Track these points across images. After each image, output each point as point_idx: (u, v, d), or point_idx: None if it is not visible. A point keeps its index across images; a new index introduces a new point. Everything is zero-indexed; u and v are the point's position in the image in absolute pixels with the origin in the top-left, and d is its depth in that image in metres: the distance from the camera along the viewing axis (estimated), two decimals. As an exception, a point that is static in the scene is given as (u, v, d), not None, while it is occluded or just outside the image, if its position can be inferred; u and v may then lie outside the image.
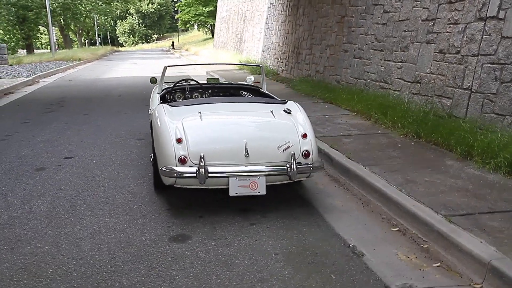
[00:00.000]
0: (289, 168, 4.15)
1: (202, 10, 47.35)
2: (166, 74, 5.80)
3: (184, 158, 4.07)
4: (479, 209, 4.01)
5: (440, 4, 7.64)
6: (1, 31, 40.22)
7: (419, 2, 8.26)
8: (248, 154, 4.12)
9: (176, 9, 61.41)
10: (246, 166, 4.13)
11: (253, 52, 21.70)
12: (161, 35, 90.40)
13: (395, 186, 4.58)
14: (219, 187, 4.24)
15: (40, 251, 3.60)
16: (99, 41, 66.84)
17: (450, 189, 4.50)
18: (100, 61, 31.95)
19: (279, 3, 17.21)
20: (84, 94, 13.19)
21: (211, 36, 48.50)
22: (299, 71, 14.45)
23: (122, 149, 6.70)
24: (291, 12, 15.65)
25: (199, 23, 52.39)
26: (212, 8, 44.46)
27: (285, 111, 4.72)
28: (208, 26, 51.94)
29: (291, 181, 4.26)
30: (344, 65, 11.12)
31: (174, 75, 6.91)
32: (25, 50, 43.67)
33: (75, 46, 56.53)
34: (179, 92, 5.93)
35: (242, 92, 6.14)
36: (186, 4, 49.63)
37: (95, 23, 60.02)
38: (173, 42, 58.63)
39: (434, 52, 7.66)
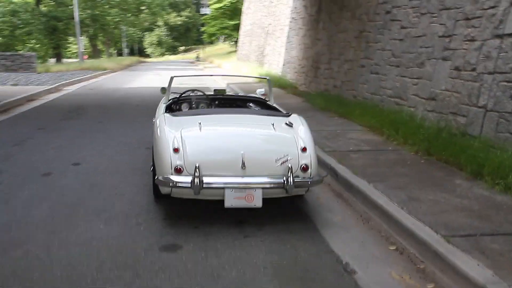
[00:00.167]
0: (285, 182, 4.09)
1: (228, 23, 47.78)
2: (184, 86, 5.77)
3: (180, 168, 4.05)
4: (482, 230, 3.87)
5: (457, 20, 7.51)
6: (33, 41, 41.24)
7: (436, 18, 8.14)
8: (244, 166, 4.07)
9: (202, 22, 62.14)
10: (243, 178, 4.08)
11: (274, 65, 21.74)
12: (188, 47, 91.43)
13: (396, 204, 4.47)
14: (215, 198, 4.20)
15: (31, 255, 3.61)
16: (127, 52, 67.95)
17: (454, 208, 4.36)
18: (125, 71, 32.43)
19: (300, 18, 17.23)
20: (103, 103, 13.38)
21: (235, 49, 48.92)
22: (317, 86, 14.38)
23: (129, 157, 6.73)
24: (312, 27, 15.64)
25: (224, 36, 52.86)
26: (238, 22, 44.82)
27: (286, 124, 4.67)
28: (234, 39, 52.38)
29: (288, 195, 4.19)
30: (361, 80, 11.02)
31: (192, 87, 6.98)
32: (55, 59, 44.68)
33: (104, 56, 57.56)
34: (186, 103, 5.94)
35: (248, 104, 6.11)
36: (212, 17, 50.17)
37: (123, 34, 61.10)
38: (198, 54, 59.17)
39: (450, 69, 7.51)
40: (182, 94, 6.04)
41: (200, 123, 4.48)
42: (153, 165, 4.65)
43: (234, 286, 3.19)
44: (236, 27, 44.81)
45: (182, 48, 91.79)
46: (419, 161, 6.10)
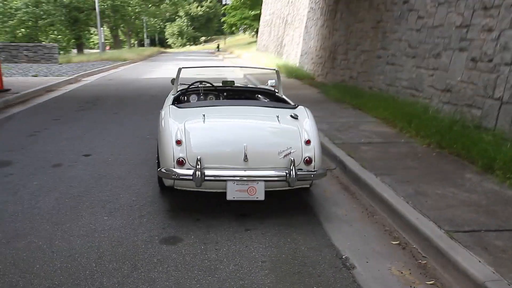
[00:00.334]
0: (288, 175, 4.05)
1: (248, 13, 47.59)
2: (201, 77, 5.71)
3: (182, 160, 4.05)
4: (487, 226, 3.78)
5: (475, 10, 7.32)
6: (56, 32, 41.80)
7: (453, 8, 7.95)
8: (247, 158, 4.05)
9: (223, 12, 62.03)
10: (245, 170, 4.06)
11: (292, 56, 21.60)
12: (209, 37, 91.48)
13: (402, 198, 4.40)
14: (217, 190, 4.19)
15: (33, 246, 3.65)
16: (148, 42, 68.31)
17: (461, 203, 4.27)
18: (145, 62, 32.63)
19: (319, 8, 17.05)
20: (119, 94, 13.48)
21: (256, 39, 48.79)
22: (334, 77, 14.24)
23: (140, 148, 6.77)
24: (329, 17, 15.46)
25: (245, 26, 52.67)
26: (258, 12, 44.63)
27: (291, 116, 4.61)
28: (254, 30, 52.23)
29: (290, 187, 4.15)
30: (377, 71, 10.86)
31: (212, 77, 7.04)
32: (76, 50, 45.24)
33: (125, 47, 58.02)
34: (194, 94, 5.93)
35: (257, 96, 6.07)
36: (233, 7, 50.03)
37: (144, 24, 61.40)
38: (218, 45, 59.19)
39: (466, 60, 7.34)
40: (190, 85, 6.03)
41: (204, 115, 4.46)
42: (158, 156, 4.66)
43: (230, 280, 3.18)
44: (257, 17, 44.66)
45: (203, 38, 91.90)
46: (430, 154, 5.99)
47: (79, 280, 3.15)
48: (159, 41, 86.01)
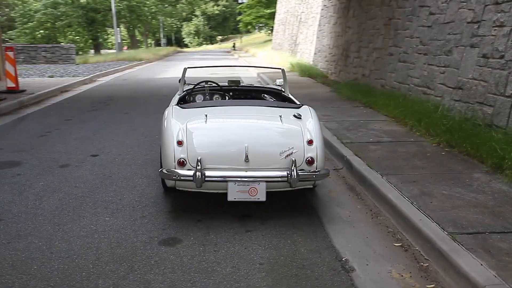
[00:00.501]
0: (289, 175, 4.01)
1: (263, 12, 47.53)
2: (215, 76, 5.68)
3: (183, 161, 4.03)
4: (492, 228, 3.69)
5: (486, 5, 7.17)
6: (73, 33, 42.30)
7: (465, 4, 7.80)
8: (248, 159, 4.01)
9: (238, 11, 62.07)
10: (246, 171, 4.03)
11: (306, 54, 21.48)
12: (225, 36, 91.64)
13: (407, 198, 4.32)
14: (218, 191, 4.17)
15: (33, 247, 3.67)
16: (164, 42, 68.66)
17: (467, 204, 4.18)
18: (161, 61, 32.80)
19: (332, 5, 16.91)
20: (132, 93, 13.55)
21: (272, 37, 48.74)
22: (347, 75, 14.11)
23: (148, 148, 6.78)
24: (342, 14, 15.33)
25: (260, 24, 52.61)
26: (273, 10, 44.56)
27: (294, 115, 4.56)
28: (270, 28, 52.17)
29: (292, 188, 4.11)
30: (389, 69, 10.73)
31: (225, 77, 7.05)
32: (93, 50, 45.72)
33: (142, 46, 58.43)
34: (200, 94, 5.91)
35: (263, 95, 6.03)
36: (248, 6, 50.02)
37: (161, 24, 61.74)
38: (234, 44, 59.23)
39: (478, 57, 7.20)
40: (195, 85, 6.02)
41: (206, 116, 4.44)
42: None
43: (225, 283, 3.15)
44: (272, 16, 44.59)
45: (220, 37, 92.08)
46: (439, 153, 5.88)
47: (75, 281, 3.15)
48: (176, 41, 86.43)
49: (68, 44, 32.30)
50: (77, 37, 43.15)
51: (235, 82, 6.09)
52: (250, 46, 48.97)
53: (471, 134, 5.92)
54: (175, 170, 4.05)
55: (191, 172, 3.98)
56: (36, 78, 16.68)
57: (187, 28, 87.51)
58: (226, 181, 4.02)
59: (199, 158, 3.97)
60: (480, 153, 5.47)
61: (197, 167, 3.95)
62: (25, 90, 12.67)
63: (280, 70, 6.17)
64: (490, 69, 6.84)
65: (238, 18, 60.18)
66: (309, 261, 3.46)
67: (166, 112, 4.82)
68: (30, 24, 39.60)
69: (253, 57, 35.32)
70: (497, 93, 6.58)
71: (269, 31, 55.01)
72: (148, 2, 45.82)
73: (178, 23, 79.22)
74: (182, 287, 3.10)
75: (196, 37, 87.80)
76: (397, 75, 10.22)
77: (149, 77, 19.35)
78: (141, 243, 3.75)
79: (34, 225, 4.08)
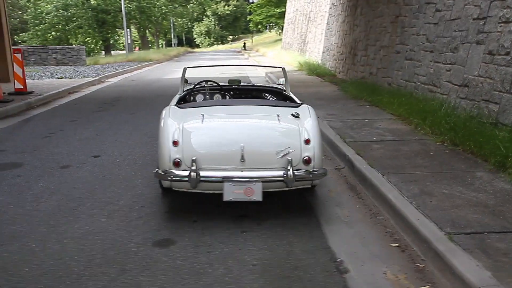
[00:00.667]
0: (285, 175, 3.95)
1: (274, 11, 47.47)
2: (223, 76, 5.66)
3: (178, 161, 4.00)
4: (491, 227, 3.60)
5: (492, 1, 7.04)
6: (84, 34, 42.61)
7: (471, 0, 7.67)
8: (244, 159, 3.97)
9: (249, 11, 62.04)
10: (242, 171, 3.98)
11: (314, 53, 21.38)
12: (236, 36, 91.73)
13: (406, 198, 4.24)
14: (214, 191, 4.13)
15: (26, 249, 3.66)
16: (175, 42, 68.88)
17: (467, 203, 4.09)
18: (170, 62, 32.89)
19: (340, 3, 16.80)
20: (139, 94, 13.58)
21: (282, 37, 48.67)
22: (354, 73, 14.01)
23: (149, 149, 6.76)
24: (350, 12, 15.22)
25: (270, 24, 52.55)
26: (284, 9, 44.49)
27: (292, 114, 4.50)
28: (281, 27, 52.09)
29: (289, 188, 4.05)
30: (396, 67, 10.62)
31: (234, 76, 7.01)
32: (104, 52, 46.02)
33: (153, 47, 58.66)
34: (200, 94, 5.87)
35: (264, 94, 5.98)
36: (258, 5, 49.99)
37: (172, 25, 61.95)
38: (244, 43, 59.24)
39: (484, 54, 7.08)
40: (195, 85, 5.98)
41: (203, 115, 4.40)
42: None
43: (216, 284, 3.10)
44: (282, 15, 44.52)
45: (231, 37, 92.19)
46: (443, 151, 5.79)
47: (65, 284, 3.13)
48: (187, 41, 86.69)
49: (79, 45, 32.58)
50: (88, 39, 43.47)
51: (235, 82, 6.05)
52: (261, 46, 48.96)
53: (475, 132, 5.82)
54: (170, 170, 4.02)
55: (186, 173, 3.94)
56: (45, 80, 16.82)
57: (198, 29, 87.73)
58: (222, 181, 3.98)
59: (194, 158, 3.94)
60: (484, 151, 5.37)
61: (192, 168, 3.92)
62: (33, 91, 12.76)
63: (283, 69, 6.12)
64: (495, 66, 6.72)
65: (249, 17, 60.16)
66: (303, 262, 3.41)
67: (163, 112, 4.79)
68: (42, 26, 39.99)
69: (263, 57, 35.29)
70: (502, 91, 6.46)
71: (280, 31, 54.94)
72: (158, 3, 45.97)
73: (189, 23, 79.45)
74: (172, 289, 3.06)
75: (207, 37, 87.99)
76: (404, 73, 10.11)
77: (158, 77, 19.40)
78: (135, 244, 3.72)
79: (29, 227, 4.07)
